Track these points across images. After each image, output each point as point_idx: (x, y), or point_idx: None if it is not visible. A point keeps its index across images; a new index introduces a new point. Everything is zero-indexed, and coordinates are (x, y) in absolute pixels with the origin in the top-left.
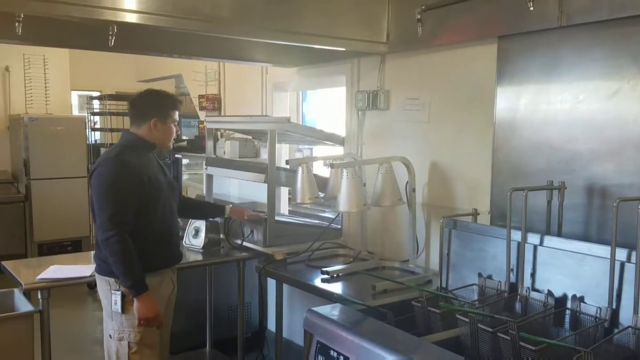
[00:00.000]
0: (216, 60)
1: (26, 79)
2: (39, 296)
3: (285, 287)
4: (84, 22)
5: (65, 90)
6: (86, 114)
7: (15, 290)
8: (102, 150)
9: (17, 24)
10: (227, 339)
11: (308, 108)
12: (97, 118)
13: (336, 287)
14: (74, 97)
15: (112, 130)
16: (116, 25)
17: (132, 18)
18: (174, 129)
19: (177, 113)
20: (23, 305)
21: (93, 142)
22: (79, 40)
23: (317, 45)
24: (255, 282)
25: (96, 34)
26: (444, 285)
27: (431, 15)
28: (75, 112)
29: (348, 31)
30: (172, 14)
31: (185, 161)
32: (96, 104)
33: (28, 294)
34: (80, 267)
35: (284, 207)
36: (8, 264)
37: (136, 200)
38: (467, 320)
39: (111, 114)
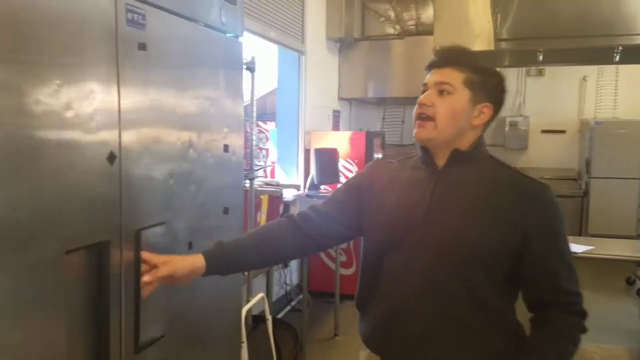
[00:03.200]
0: None
1: (598, 86)
2: None
3: None
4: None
5: (636, 97)
6: None
7: None
8: None
9: (538, 54)
10: None
11: None
12: None
13: None
14: None
15: None
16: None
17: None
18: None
19: (427, 75)
20: None
21: None
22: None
23: None
24: None
25: (600, 53)
26: None
27: None
28: None
29: None
30: None
31: None
32: None
33: None
34: None
35: None
36: None
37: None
38: None
39: None
